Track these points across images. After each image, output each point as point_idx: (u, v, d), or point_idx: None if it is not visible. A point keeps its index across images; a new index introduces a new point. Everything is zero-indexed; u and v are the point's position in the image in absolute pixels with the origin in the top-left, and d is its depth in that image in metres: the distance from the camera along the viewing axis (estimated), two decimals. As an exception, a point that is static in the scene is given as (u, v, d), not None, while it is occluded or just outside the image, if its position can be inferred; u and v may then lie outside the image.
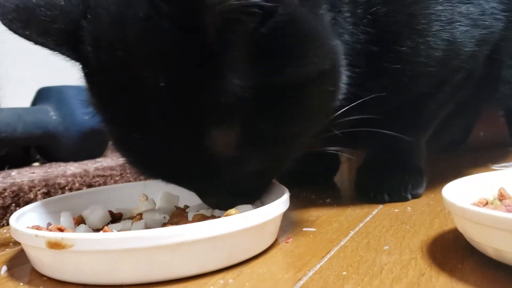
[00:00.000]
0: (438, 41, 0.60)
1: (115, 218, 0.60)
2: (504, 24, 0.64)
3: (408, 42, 0.59)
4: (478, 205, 0.49)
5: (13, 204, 0.70)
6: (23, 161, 0.95)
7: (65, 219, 0.57)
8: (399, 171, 0.69)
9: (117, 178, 0.85)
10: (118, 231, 0.55)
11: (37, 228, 0.53)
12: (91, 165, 0.88)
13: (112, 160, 0.96)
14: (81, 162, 0.94)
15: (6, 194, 0.69)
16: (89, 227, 0.57)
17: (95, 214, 0.58)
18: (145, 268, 0.44)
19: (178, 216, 0.58)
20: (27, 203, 0.71)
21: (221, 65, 0.44)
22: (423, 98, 0.67)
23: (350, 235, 0.54)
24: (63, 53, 0.51)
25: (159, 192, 0.63)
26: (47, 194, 0.74)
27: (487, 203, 0.50)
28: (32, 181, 0.73)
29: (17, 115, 0.89)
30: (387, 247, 0.49)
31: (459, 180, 0.52)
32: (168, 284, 0.44)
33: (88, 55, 0.48)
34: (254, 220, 0.47)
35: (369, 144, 0.72)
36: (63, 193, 0.76)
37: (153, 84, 0.44)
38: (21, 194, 0.71)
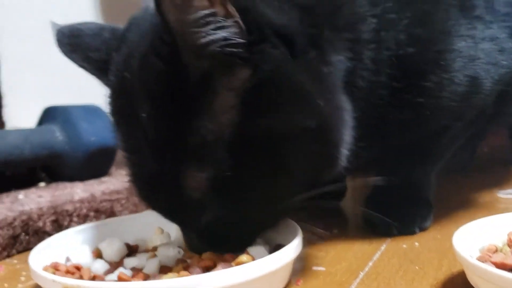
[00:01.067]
0: (461, 76, 0.61)
1: (132, 250, 0.61)
2: None
3: (433, 78, 0.60)
4: (487, 254, 0.49)
5: (23, 233, 0.70)
6: (28, 181, 0.95)
7: (83, 255, 0.58)
8: (408, 204, 0.69)
9: (123, 201, 0.85)
10: (133, 267, 0.56)
11: (55, 265, 0.54)
12: (97, 187, 0.88)
13: (117, 180, 0.97)
14: (86, 183, 0.94)
15: (15, 224, 0.69)
16: (107, 261, 0.58)
17: (112, 248, 0.59)
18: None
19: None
20: (36, 232, 0.72)
21: (200, 109, 0.47)
22: (437, 133, 0.68)
23: (360, 276, 0.55)
24: (98, 78, 0.59)
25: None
26: (55, 222, 0.74)
27: (496, 250, 0.50)
28: (41, 208, 0.74)
29: (24, 137, 0.89)
30: (397, 293, 0.50)
31: (467, 226, 0.53)
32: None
33: (109, 83, 0.55)
34: (266, 269, 0.47)
35: (378, 173, 0.73)
36: (71, 220, 0.76)
37: (141, 113, 0.48)
38: (31, 223, 0.71)
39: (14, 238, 0.69)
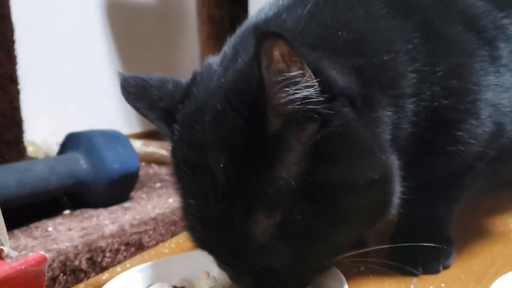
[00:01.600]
0: (489, 123, 0.64)
1: None
2: None
3: (464, 126, 0.63)
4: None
5: (61, 274, 0.72)
6: (53, 208, 0.97)
7: None
8: (432, 243, 0.72)
9: (150, 232, 0.88)
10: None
11: None
12: (123, 217, 0.90)
13: (139, 205, 0.99)
14: (111, 210, 0.96)
15: (54, 265, 0.71)
16: None
17: None
18: None
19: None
20: (72, 271, 0.74)
21: (275, 160, 0.51)
22: (461, 173, 0.71)
23: (396, 326, 0.58)
24: (159, 127, 0.61)
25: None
26: (90, 259, 0.76)
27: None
28: (76, 247, 0.76)
29: (50, 168, 0.91)
30: None
31: (501, 280, 0.56)
32: None
33: (175, 133, 0.58)
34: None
35: (403, 210, 0.76)
36: (104, 255, 0.79)
37: (214, 163, 0.51)
38: (68, 263, 0.73)
39: (54, 279, 0.71)
